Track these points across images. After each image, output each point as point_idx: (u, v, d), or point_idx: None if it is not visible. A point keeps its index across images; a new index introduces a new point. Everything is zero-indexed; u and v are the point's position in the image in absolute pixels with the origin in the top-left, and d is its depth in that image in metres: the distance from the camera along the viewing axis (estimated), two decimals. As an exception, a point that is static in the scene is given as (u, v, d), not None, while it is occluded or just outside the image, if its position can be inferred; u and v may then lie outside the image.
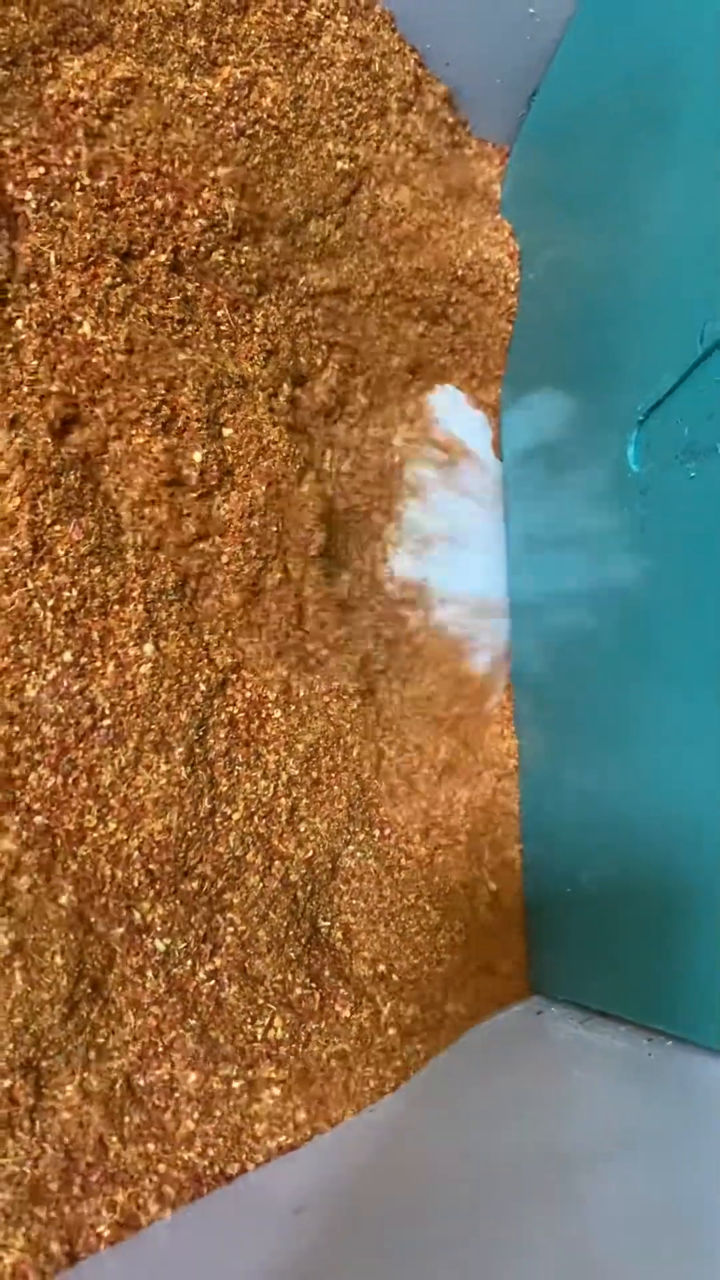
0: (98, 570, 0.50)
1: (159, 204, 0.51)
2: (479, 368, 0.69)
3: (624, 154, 0.56)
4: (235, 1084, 0.51)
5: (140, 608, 0.51)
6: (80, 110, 0.49)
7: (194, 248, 0.53)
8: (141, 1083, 0.48)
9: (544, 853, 0.66)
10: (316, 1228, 0.42)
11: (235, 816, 0.54)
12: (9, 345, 0.49)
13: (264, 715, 0.57)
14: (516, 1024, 0.60)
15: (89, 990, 0.47)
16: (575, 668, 0.62)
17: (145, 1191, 0.47)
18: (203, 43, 0.51)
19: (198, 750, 0.53)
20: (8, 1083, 0.44)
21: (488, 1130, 0.48)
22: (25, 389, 0.48)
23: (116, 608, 0.51)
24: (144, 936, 0.50)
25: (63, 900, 0.48)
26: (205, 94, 0.52)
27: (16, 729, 0.47)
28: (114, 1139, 0.47)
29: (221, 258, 0.54)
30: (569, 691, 0.63)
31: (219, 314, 0.55)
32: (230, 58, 0.53)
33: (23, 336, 0.49)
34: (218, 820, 0.53)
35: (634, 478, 0.55)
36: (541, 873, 0.66)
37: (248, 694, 0.56)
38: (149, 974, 0.49)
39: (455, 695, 0.68)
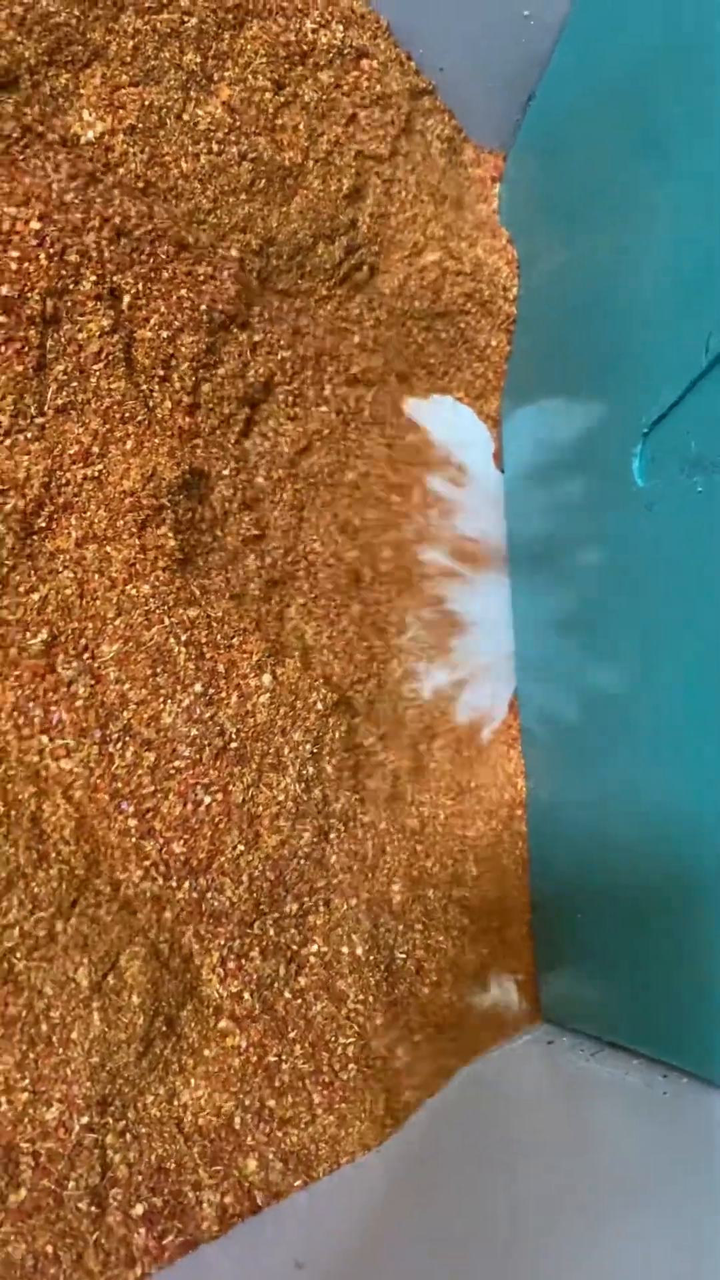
0: (232, 607, 0.54)
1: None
2: (478, 379, 0.69)
3: (624, 158, 0.56)
4: (316, 1100, 0.52)
5: (260, 640, 0.54)
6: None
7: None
8: (222, 1107, 0.49)
9: (552, 876, 0.66)
10: None
11: (342, 834, 0.56)
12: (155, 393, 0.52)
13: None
14: (526, 1054, 0.59)
15: (164, 1028, 0.48)
16: (580, 687, 0.62)
17: (200, 1216, 0.47)
18: (199, 59, 0.50)
19: (310, 769, 0.55)
20: (85, 1119, 0.45)
21: (494, 1176, 0.47)
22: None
23: (238, 640, 0.54)
24: (243, 959, 0.51)
25: (151, 933, 0.49)
26: (208, 119, 0.52)
27: (153, 754, 0.50)
28: (173, 1165, 0.47)
29: None
30: (574, 714, 0.62)
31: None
32: (227, 74, 0.52)
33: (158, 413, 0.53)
34: (331, 836, 0.56)
35: (639, 492, 0.54)
36: (550, 897, 0.66)
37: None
38: (246, 995, 0.51)
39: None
